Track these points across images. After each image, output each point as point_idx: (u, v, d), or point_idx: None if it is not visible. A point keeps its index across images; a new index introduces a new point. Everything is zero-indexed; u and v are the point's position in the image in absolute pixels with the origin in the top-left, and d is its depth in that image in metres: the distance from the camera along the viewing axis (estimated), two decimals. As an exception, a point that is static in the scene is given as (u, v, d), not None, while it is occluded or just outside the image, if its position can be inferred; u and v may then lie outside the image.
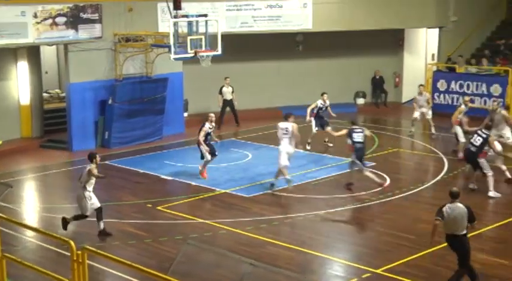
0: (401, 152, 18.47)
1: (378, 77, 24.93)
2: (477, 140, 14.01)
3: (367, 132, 14.95)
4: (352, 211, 13.39)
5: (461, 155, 15.69)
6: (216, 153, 15.66)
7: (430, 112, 19.76)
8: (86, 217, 12.08)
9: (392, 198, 14.03)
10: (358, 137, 14.52)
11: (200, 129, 15.32)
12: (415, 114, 19.68)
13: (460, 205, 9.47)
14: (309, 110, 18.22)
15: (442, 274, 10.27)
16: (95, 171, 11.96)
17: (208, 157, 15.32)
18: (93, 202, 12.07)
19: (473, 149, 14.05)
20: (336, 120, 19.20)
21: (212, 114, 15.78)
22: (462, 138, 16.75)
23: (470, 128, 15.90)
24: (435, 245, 11.26)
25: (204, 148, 15.26)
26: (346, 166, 16.37)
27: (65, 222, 12.18)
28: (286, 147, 14.53)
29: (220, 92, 21.48)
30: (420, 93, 19.85)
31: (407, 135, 20.01)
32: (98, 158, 12.28)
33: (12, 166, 17.40)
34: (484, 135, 13.97)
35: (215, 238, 11.99)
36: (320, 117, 18.11)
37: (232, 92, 21.53)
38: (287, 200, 14.14)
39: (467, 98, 18.54)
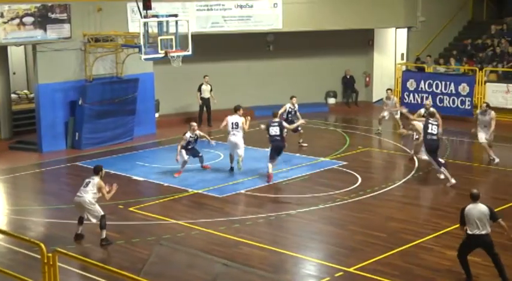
0: (372, 151, 18.61)
1: (348, 76, 25.08)
2: (433, 129, 14.67)
3: None
4: (324, 210, 13.43)
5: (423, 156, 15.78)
6: (200, 154, 15.92)
7: (399, 112, 20.00)
8: (104, 216, 11.67)
9: (364, 197, 14.11)
10: (273, 130, 15.21)
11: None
12: (384, 113, 20.04)
13: (481, 205, 9.67)
14: (279, 113, 18.14)
15: (413, 272, 10.36)
16: (105, 190, 11.67)
17: (185, 157, 15.37)
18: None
19: (434, 137, 14.70)
20: (308, 120, 19.24)
21: (194, 123, 15.72)
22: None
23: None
24: (407, 242, 11.39)
25: (176, 157, 15.32)
26: (317, 166, 16.46)
27: (106, 243, 11.64)
28: (235, 138, 15.58)
29: (199, 90, 21.44)
30: (388, 98, 20.11)
31: (375, 133, 20.19)
32: (104, 171, 12.01)
33: (-20, 168, 17.10)
34: (435, 122, 14.85)
35: (188, 239, 11.93)
36: (290, 121, 18.00)
37: (211, 90, 21.52)
38: (259, 200, 14.14)
39: (428, 102, 18.60)
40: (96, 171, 11.87)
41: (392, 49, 26.10)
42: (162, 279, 9.99)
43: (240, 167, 15.69)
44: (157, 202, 14.16)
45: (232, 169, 16.06)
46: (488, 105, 16.54)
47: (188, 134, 15.39)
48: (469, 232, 9.64)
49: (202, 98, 21.52)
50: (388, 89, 20.79)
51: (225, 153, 17.84)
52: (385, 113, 19.99)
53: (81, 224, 11.80)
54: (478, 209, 9.63)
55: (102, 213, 11.65)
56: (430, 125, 14.76)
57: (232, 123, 15.71)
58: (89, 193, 11.60)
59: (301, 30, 22.93)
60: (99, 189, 11.68)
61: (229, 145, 15.88)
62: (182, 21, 17.42)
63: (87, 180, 11.81)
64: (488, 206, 9.73)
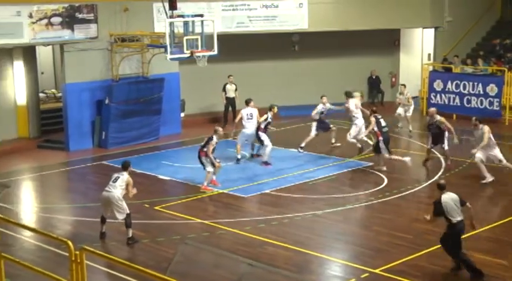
0: (398, 151, 18.45)
1: (374, 76, 24.94)
2: (384, 123, 16.01)
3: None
4: (350, 211, 13.37)
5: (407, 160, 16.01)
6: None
7: (411, 109, 20.50)
8: (129, 214, 11.71)
9: (390, 198, 14.02)
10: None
11: (207, 142, 14.54)
12: (399, 110, 20.54)
13: (451, 193, 10.07)
14: (313, 114, 18.15)
15: (440, 273, 10.27)
16: (131, 187, 11.71)
17: (211, 168, 14.72)
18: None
19: (387, 129, 16.02)
20: (333, 121, 19.17)
21: (220, 129, 15.12)
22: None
23: None
24: (434, 244, 11.27)
25: (211, 160, 14.61)
26: (344, 166, 16.38)
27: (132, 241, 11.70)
28: (251, 130, 16.79)
29: (224, 90, 21.45)
30: (401, 93, 20.55)
31: (395, 132, 20.10)
32: (131, 168, 12.06)
33: (9, 166, 17.33)
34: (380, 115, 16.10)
35: (213, 238, 11.96)
36: (322, 121, 18.00)
37: (236, 90, 21.52)
38: (285, 200, 14.11)
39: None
40: (125, 167, 11.94)
41: (419, 49, 25.88)
42: (187, 278, 10.02)
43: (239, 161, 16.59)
44: (182, 201, 14.21)
45: (252, 155, 17.26)
46: (478, 120, 14.94)
47: (215, 139, 15.00)
48: (454, 220, 9.85)
49: (227, 98, 21.56)
50: (401, 85, 21.17)
51: (251, 153, 17.84)
52: (400, 110, 20.50)
53: (103, 224, 11.87)
54: (451, 197, 9.98)
55: (128, 211, 11.71)
56: (381, 121, 15.92)
57: (247, 114, 16.93)
58: (118, 189, 11.64)
59: (326, 30, 22.84)
60: (127, 185, 11.71)
61: (242, 137, 16.96)
62: (208, 21, 17.46)
63: (115, 175, 11.82)
64: (455, 193, 10.07)
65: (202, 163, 14.66)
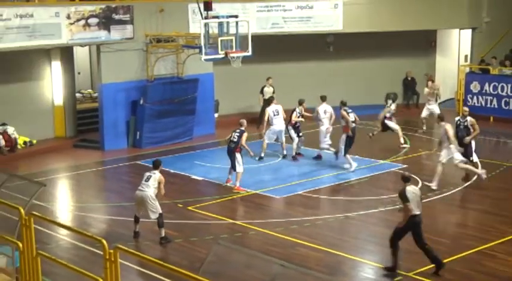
0: (433, 154, 18.23)
1: (409, 78, 24.71)
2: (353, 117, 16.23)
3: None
4: (383, 213, 13.27)
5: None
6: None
7: (436, 108, 20.04)
8: (162, 214, 11.81)
9: (425, 201, 13.80)
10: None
11: (240, 137, 14.74)
12: (424, 113, 20.34)
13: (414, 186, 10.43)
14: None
15: (475, 278, 10.13)
16: (163, 184, 11.81)
17: (241, 168, 14.81)
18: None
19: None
20: (365, 122, 19.04)
21: (244, 121, 15.32)
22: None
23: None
24: (469, 248, 11.13)
25: (248, 150, 14.93)
26: (378, 167, 16.28)
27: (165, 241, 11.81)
28: (279, 126, 17.16)
29: (262, 92, 21.45)
30: (426, 85, 20.48)
31: (419, 134, 19.92)
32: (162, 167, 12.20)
33: (46, 165, 17.65)
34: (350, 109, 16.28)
35: (245, 239, 12.00)
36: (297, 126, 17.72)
37: (273, 92, 21.45)
38: (318, 202, 14.09)
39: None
40: (156, 165, 12.05)
41: (455, 51, 25.54)
42: (220, 278, 10.06)
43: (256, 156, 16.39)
44: (215, 201, 14.28)
45: (284, 156, 17.39)
46: (440, 118, 14.90)
47: (246, 133, 15.12)
48: (413, 212, 10.06)
49: (265, 100, 21.51)
50: (426, 74, 20.99)
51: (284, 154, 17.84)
52: (425, 114, 20.27)
53: (137, 223, 11.99)
54: (413, 190, 10.27)
55: (161, 211, 11.81)
56: (351, 114, 16.25)
57: (273, 111, 17.30)
58: (151, 188, 11.74)
59: (361, 31, 22.71)
60: (159, 183, 11.80)
61: (271, 133, 17.32)
62: (242, 22, 17.51)
63: (147, 174, 11.93)
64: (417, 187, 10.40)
65: (233, 163, 14.70)
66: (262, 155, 17.13)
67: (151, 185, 11.75)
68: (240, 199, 14.39)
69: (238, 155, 14.73)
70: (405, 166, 16.49)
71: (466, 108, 16.24)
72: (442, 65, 25.31)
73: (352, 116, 16.28)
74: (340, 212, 13.32)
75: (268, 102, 21.30)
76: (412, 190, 10.25)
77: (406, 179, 10.42)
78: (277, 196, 14.40)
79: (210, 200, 14.35)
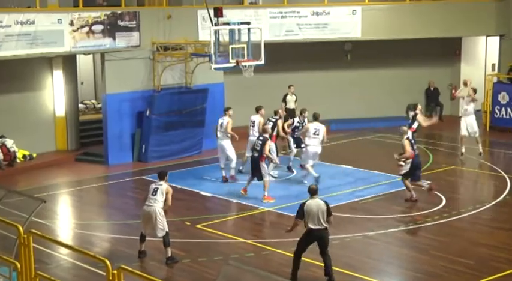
0: (457, 169, 18.17)
1: (432, 88, 24.66)
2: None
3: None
4: (404, 233, 13.22)
5: None
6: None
7: (475, 125, 18.50)
8: (168, 233, 11.80)
9: (449, 219, 13.79)
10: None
11: (263, 144, 15.11)
12: (463, 130, 18.72)
13: (319, 200, 10.84)
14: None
15: (503, 302, 10.03)
16: (171, 194, 11.82)
17: (268, 177, 15.21)
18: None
19: None
20: (386, 135, 19.01)
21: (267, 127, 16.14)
22: None
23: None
24: (498, 271, 11.03)
25: (273, 159, 15.54)
26: (396, 184, 16.21)
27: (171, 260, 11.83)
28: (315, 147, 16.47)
29: (284, 100, 21.50)
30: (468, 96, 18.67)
31: (459, 159, 18.80)
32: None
33: (46, 179, 17.73)
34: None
35: (257, 259, 11.97)
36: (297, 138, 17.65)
37: (296, 101, 21.51)
38: (334, 220, 13.97)
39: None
40: (162, 176, 12.06)
41: (482, 59, 25.46)
42: (229, 301, 10.03)
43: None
44: (225, 219, 14.28)
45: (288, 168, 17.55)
46: (314, 116, 16.49)
47: (270, 140, 15.73)
48: (310, 225, 10.65)
49: (287, 109, 21.58)
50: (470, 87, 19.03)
51: (299, 169, 17.83)
52: (464, 131, 18.65)
53: (143, 242, 12.01)
54: (317, 204, 10.71)
55: (167, 229, 11.82)
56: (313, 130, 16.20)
57: (315, 128, 16.42)
58: (159, 202, 11.74)
59: (381, 38, 22.73)
60: (167, 194, 11.77)
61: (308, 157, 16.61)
62: (255, 29, 17.57)
63: (153, 186, 11.92)
64: (325, 202, 10.79)
65: (258, 173, 14.99)
66: (316, 175, 16.17)
67: (159, 199, 11.74)
68: (252, 217, 14.37)
69: (263, 165, 15.09)
70: (428, 182, 16.40)
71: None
72: (467, 74, 25.16)
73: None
74: (358, 231, 13.26)
75: (290, 113, 21.28)
76: (313, 203, 10.73)
77: (311, 191, 10.93)
78: (291, 214, 14.34)
79: (220, 217, 14.34)
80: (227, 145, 16.90)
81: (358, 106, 24.04)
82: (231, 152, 16.86)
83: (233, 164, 16.85)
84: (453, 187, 16.43)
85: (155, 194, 11.76)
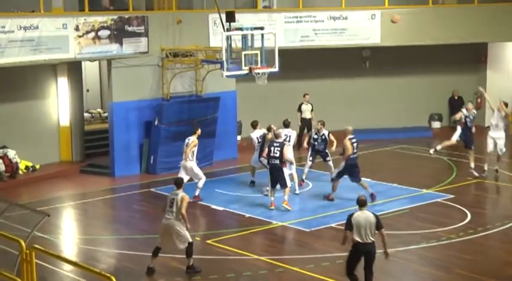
0: (484, 183, 18.05)
1: (456, 97, 24.59)
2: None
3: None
4: (426, 250, 13.13)
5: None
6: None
7: (502, 143, 17.95)
8: (191, 243, 11.87)
9: (474, 236, 13.69)
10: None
11: (282, 149, 15.37)
12: (489, 146, 18.22)
13: (368, 212, 10.61)
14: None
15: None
16: (186, 202, 11.80)
17: (290, 183, 15.60)
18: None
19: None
20: (409, 146, 18.94)
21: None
22: None
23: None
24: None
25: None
26: (419, 198, 16.13)
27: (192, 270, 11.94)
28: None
29: (299, 110, 21.47)
30: (498, 110, 18.17)
31: (494, 177, 18.31)
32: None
33: (50, 192, 17.78)
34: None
35: (271, 277, 11.93)
36: (317, 150, 17.55)
37: (312, 110, 21.48)
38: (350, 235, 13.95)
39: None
40: (179, 184, 12.11)
41: (509, 65, 25.36)
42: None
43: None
44: (238, 234, 14.25)
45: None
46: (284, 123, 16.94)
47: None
48: (357, 239, 10.47)
49: (302, 119, 21.55)
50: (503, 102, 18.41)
51: (315, 182, 17.79)
52: (491, 146, 18.09)
53: (155, 257, 12.00)
54: (366, 216, 10.50)
55: (190, 240, 11.83)
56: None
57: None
58: (177, 214, 11.75)
59: (401, 44, 22.68)
60: (183, 201, 11.72)
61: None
62: (269, 35, 17.59)
63: (170, 198, 11.93)
64: (375, 214, 10.55)
65: (281, 180, 15.32)
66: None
67: (177, 210, 11.74)
68: (265, 232, 14.33)
69: (285, 170, 15.46)
70: (452, 196, 16.33)
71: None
72: (494, 82, 25.10)
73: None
74: (377, 248, 13.16)
75: (306, 123, 21.13)
76: (362, 216, 10.54)
77: (359, 203, 10.69)
78: (306, 229, 14.33)
79: (232, 232, 14.32)
80: (193, 165, 16.51)
81: (376, 116, 23.97)
82: (198, 171, 16.55)
83: (200, 184, 16.55)
84: (479, 202, 16.33)
85: (172, 206, 11.79)
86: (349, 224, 10.62)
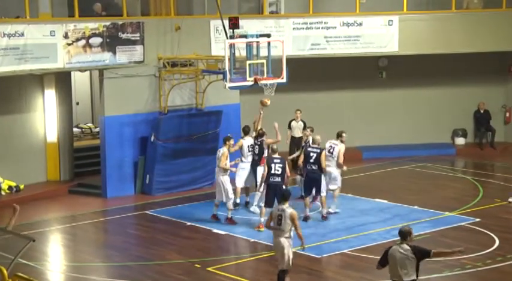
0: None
1: (482, 111, 24.58)
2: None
3: None
4: (449, 279, 13.08)
5: None
6: None
7: None
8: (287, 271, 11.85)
9: (503, 264, 13.64)
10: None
11: (284, 166, 15.70)
12: None
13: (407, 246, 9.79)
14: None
15: None
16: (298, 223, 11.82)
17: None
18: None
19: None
20: (430, 165, 18.89)
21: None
22: None
23: None
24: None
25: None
26: (441, 222, 16.10)
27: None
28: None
29: (289, 127, 21.43)
30: None
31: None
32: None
33: (35, 215, 17.78)
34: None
35: (278, 309, 11.88)
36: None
37: (304, 128, 21.37)
38: (367, 263, 13.93)
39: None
40: (286, 197, 11.80)
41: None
42: None
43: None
44: (241, 261, 14.23)
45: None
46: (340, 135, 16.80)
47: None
48: (392, 277, 9.81)
49: (292, 138, 21.48)
50: None
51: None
52: None
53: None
54: (401, 249, 9.74)
55: (291, 267, 11.72)
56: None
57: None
58: (286, 232, 11.61)
59: (421, 53, 22.73)
60: (293, 220, 11.59)
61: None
62: (276, 43, 17.64)
63: (276, 213, 11.66)
64: (412, 246, 9.72)
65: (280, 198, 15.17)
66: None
67: (286, 228, 11.56)
68: (271, 259, 14.28)
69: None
70: (478, 219, 16.30)
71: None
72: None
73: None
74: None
75: (296, 142, 21.07)
76: (396, 249, 9.84)
77: (401, 235, 9.95)
78: (317, 255, 14.30)
79: (235, 259, 14.31)
80: (224, 180, 16.56)
81: (394, 131, 23.97)
82: (229, 187, 16.53)
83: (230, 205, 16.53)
84: (508, 226, 16.26)
85: (280, 223, 11.57)
86: (383, 260, 10.02)
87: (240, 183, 17.41)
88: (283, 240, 11.66)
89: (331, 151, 16.67)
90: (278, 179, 15.47)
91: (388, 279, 12.98)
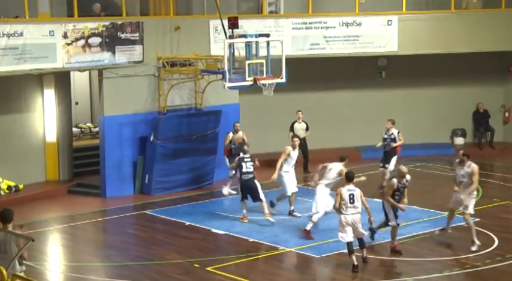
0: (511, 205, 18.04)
1: (481, 111, 24.59)
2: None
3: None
4: (449, 279, 13.08)
5: None
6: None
7: None
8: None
9: (503, 264, 13.64)
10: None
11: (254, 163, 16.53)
12: None
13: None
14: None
15: None
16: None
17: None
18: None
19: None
20: (429, 165, 18.89)
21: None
22: None
23: None
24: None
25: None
26: (440, 222, 16.09)
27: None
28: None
29: (292, 129, 21.38)
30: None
31: None
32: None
33: (34, 215, 17.77)
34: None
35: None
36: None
37: (307, 129, 21.33)
38: (368, 263, 13.93)
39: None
40: (351, 178, 13.74)
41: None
42: None
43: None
44: (241, 260, 14.21)
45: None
46: (465, 155, 14.98)
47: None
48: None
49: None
50: None
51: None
52: None
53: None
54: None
55: (365, 233, 13.88)
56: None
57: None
58: (359, 208, 13.41)
59: (421, 53, 22.73)
60: (361, 197, 13.52)
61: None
62: (275, 42, 17.66)
63: (348, 193, 13.40)
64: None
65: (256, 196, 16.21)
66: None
67: (359, 205, 13.38)
68: (271, 259, 14.30)
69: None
70: (477, 219, 16.26)
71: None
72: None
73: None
74: (395, 276, 13.17)
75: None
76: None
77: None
78: (316, 255, 14.29)
79: (234, 259, 14.28)
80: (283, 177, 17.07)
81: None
82: (285, 185, 17.05)
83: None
84: (507, 226, 16.26)
85: (353, 202, 13.32)
86: None
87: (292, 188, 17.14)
88: (359, 217, 13.43)
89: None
90: (250, 175, 16.42)
91: (388, 279, 13.02)
